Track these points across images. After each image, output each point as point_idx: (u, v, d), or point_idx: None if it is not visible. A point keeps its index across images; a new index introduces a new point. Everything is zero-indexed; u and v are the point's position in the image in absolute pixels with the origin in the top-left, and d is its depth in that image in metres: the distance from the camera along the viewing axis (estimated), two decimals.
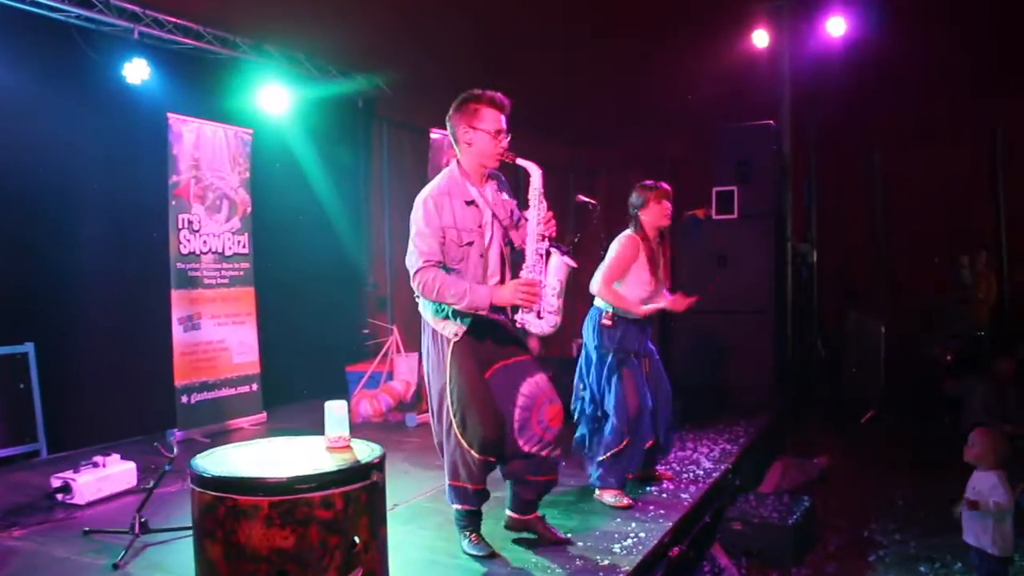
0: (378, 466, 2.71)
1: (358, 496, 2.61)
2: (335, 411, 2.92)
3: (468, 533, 3.71)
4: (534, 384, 3.59)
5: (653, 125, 9.72)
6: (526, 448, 3.55)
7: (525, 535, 3.83)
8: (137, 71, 6.25)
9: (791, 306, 8.20)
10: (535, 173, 3.57)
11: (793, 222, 8.40)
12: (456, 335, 3.52)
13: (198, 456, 2.77)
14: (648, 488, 4.73)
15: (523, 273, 3.57)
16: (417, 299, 3.66)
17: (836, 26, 7.76)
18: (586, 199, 4.49)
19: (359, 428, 6.76)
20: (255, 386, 6.86)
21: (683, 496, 4.57)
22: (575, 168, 11.39)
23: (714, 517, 4.68)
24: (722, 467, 5.18)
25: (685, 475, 5.01)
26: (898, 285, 9.90)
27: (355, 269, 8.87)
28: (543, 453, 3.58)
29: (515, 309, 3.59)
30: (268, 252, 7.27)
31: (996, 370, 7.26)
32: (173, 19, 6.63)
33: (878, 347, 8.41)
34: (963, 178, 9.52)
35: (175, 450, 3.75)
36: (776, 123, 7.99)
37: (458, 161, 3.61)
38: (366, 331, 8.46)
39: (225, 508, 2.52)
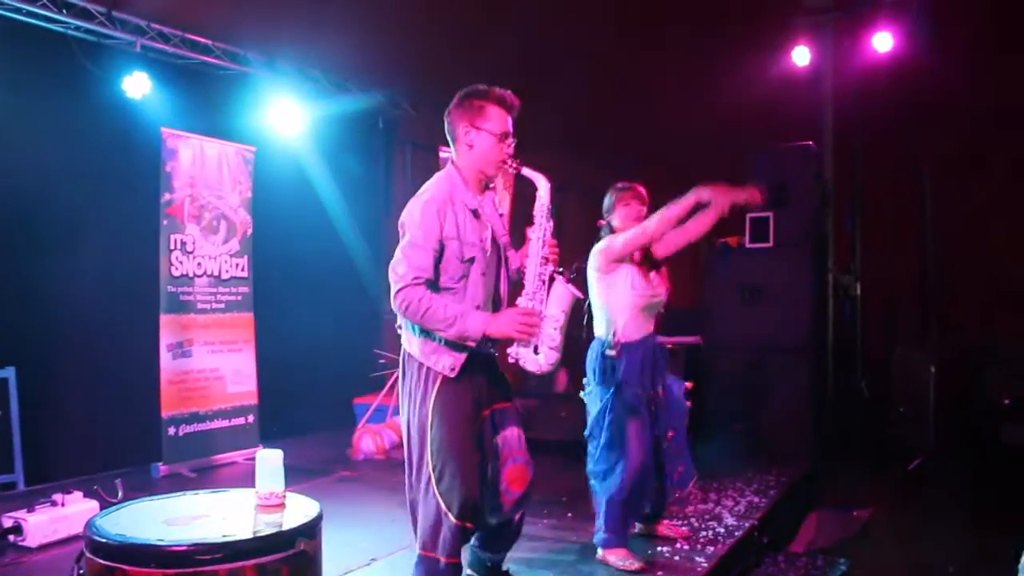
0: (306, 532, 2.26)
1: (276, 570, 2.16)
2: (268, 462, 2.48)
3: None
4: (503, 439, 3.13)
5: (684, 148, 9.22)
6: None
7: None
8: (138, 85, 6.01)
9: (831, 343, 7.60)
10: (543, 186, 3.11)
11: (835, 252, 7.84)
12: (453, 370, 2.98)
13: (100, 513, 2.36)
14: (659, 548, 4.18)
15: (521, 300, 3.09)
16: (398, 329, 3.19)
17: (883, 42, 7.25)
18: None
19: (360, 466, 6.36)
20: (251, 418, 6.45)
21: (698, 559, 4.00)
22: (598, 191, 10.94)
23: None
24: (747, 524, 4.60)
25: (704, 533, 4.43)
26: (949, 321, 9.20)
27: (370, 296, 8.48)
28: (492, 521, 3.13)
29: (509, 342, 3.12)
30: (273, 276, 6.94)
31: None
32: (180, 33, 6.41)
33: (927, 388, 7.74)
34: (1022, 207, 8.84)
35: (120, 494, 3.33)
36: (817, 145, 7.46)
37: (455, 164, 3.12)
38: (382, 361, 8.03)
39: None
